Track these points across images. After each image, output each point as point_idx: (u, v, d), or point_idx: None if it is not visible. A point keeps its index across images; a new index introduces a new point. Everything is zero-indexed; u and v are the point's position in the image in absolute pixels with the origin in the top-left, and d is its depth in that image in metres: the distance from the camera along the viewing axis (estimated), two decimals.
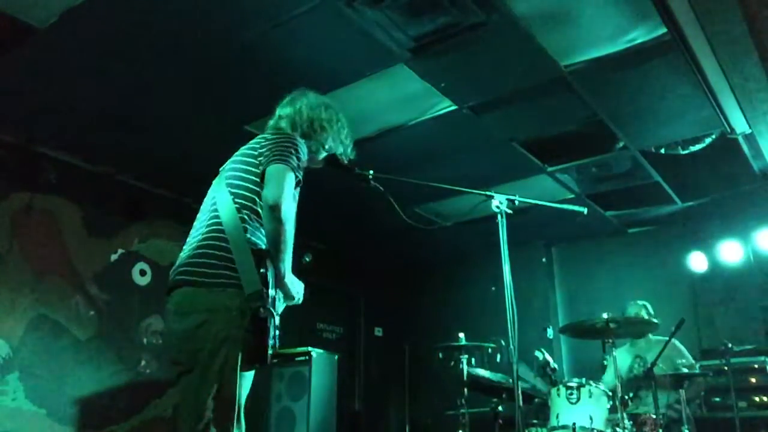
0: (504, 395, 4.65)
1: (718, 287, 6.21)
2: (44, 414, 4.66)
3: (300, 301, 2.49)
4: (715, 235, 6.20)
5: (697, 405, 5.14)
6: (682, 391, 4.27)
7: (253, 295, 2.11)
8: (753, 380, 5.20)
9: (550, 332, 6.94)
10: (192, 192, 5.89)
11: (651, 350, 4.71)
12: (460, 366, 4.79)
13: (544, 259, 7.39)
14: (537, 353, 4.48)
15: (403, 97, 4.40)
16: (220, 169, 2.53)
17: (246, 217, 2.28)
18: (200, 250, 2.25)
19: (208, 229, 2.30)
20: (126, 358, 5.26)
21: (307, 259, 7.02)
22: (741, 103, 4.32)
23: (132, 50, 3.82)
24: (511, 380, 4.12)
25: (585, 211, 3.18)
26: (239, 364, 2.11)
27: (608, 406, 4.08)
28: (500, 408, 4.66)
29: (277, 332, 2.24)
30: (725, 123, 4.61)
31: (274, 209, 2.20)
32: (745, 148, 5.10)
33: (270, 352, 2.18)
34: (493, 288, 6.57)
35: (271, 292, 2.21)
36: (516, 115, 4.67)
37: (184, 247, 2.37)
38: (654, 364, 4.23)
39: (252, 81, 4.18)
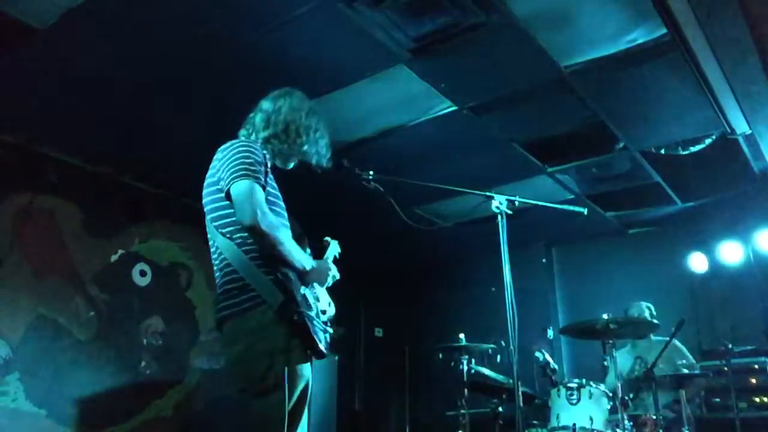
0: (504, 396, 4.65)
1: (719, 288, 6.20)
2: (44, 414, 4.65)
3: (336, 277, 2.63)
4: (716, 235, 6.20)
5: (697, 405, 5.14)
6: (682, 392, 4.27)
7: (282, 306, 2.20)
8: (753, 381, 5.20)
9: (550, 333, 6.94)
10: (192, 193, 5.89)
11: (652, 351, 4.71)
12: (461, 366, 4.79)
13: (544, 260, 7.39)
14: (537, 354, 4.48)
15: (404, 98, 4.40)
16: (203, 204, 2.53)
17: (240, 241, 2.32)
18: (223, 288, 2.33)
19: (220, 266, 2.37)
20: (126, 359, 5.26)
21: None
22: (741, 103, 4.32)
23: (132, 51, 3.82)
24: (511, 380, 4.12)
25: (585, 211, 3.18)
26: (291, 371, 2.22)
27: (608, 407, 4.08)
28: (500, 409, 4.66)
29: (327, 323, 2.40)
30: (725, 123, 4.61)
31: (255, 230, 2.23)
32: (745, 148, 5.10)
33: (323, 344, 2.31)
34: (494, 289, 6.56)
35: (301, 291, 2.30)
36: (516, 116, 4.68)
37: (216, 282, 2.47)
38: (654, 364, 4.23)
39: (252, 82, 4.17)
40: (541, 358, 4.45)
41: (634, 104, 4.46)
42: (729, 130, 4.71)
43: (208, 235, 2.48)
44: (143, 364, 5.40)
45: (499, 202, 2.90)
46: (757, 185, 5.73)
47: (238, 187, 2.28)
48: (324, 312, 2.47)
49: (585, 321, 4.32)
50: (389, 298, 8.10)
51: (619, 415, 3.90)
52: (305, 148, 2.61)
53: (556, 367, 4.57)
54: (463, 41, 3.73)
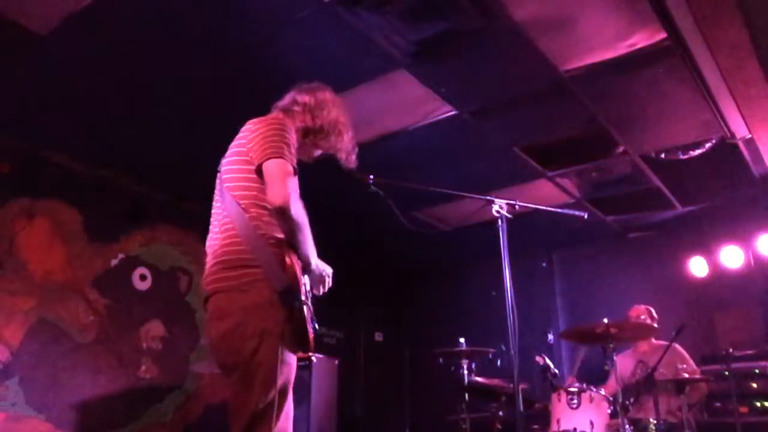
0: (504, 400, 4.64)
1: (719, 292, 6.20)
2: (44, 419, 4.65)
3: (327, 286, 2.51)
4: (716, 239, 6.20)
5: (698, 410, 5.13)
6: (683, 397, 4.26)
7: (285, 290, 2.14)
8: (754, 385, 5.19)
9: (550, 337, 6.94)
10: (193, 197, 5.91)
11: (653, 355, 4.70)
12: (461, 371, 4.79)
13: (544, 264, 7.39)
14: (537, 358, 4.48)
15: (404, 102, 4.40)
16: (218, 168, 2.49)
17: (255, 214, 2.25)
18: (222, 258, 2.26)
19: (223, 235, 2.29)
20: (126, 363, 5.26)
21: None
22: (741, 107, 4.33)
23: (132, 55, 3.83)
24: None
25: (585, 215, 3.18)
26: (279, 356, 2.13)
27: (609, 412, 4.08)
28: (500, 413, 4.65)
29: (314, 321, 2.31)
30: (725, 128, 4.62)
31: (284, 211, 2.17)
32: (745, 152, 5.10)
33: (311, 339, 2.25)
34: (494, 293, 6.55)
35: (303, 280, 2.25)
36: (516, 120, 4.68)
37: (208, 253, 2.39)
38: (655, 368, 4.22)
39: (253, 85, 4.18)
40: (541, 363, 4.44)
41: (634, 108, 4.47)
42: (729, 135, 4.72)
43: (215, 198, 2.41)
44: (143, 368, 5.39)
45: (499, 206, 2.90)
46: (757, 189, 5.73)
47: (274, 165, 2.23)
48: (311, 306, 2.40)
49: (585, 325, 4.32)
50: (389, 302, 8.09)
51: (620, 420, 3.89)
52: (337, 144, 2.60)
53: (557, 371, 4.56)
54: (463, 46, 3.74)
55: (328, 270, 2.49)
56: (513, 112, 4.54)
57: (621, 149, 5.04)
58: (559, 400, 4.16)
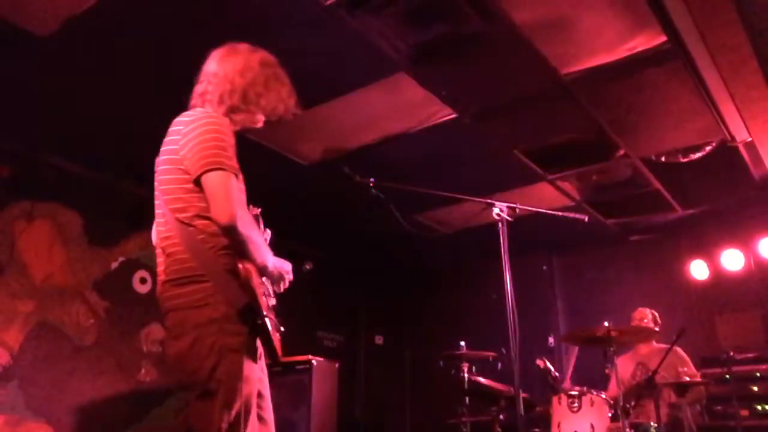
0: (504, 403, 4.63)
1: (719, 295, 6.20)
2: (43, 422, 4.64)
3: (288, 282, 2.39)
4: (716, 242, 6.20)
5: (698, 413, 5.12)
6: (683, 399, 4.26)
7: (244, 308, 2.05)
8: (755, 388, 5.19)
9: (551, 340, 6.93)
10: None
11: (654, 358, 4.70)
12: (461, 374, 4.78)
13: (545, 267, 7.38)
14: (538, 361, 4.47)
15: (404, 106, 4.40)
16: (156, 179, 2.29)
17: (200, 225, 2.11)
18: (170, 276, 2.12)
19: (171, 256, 2.14)
20: (126, 367, 5.25)
21: (308, 268, 7.04)
22: (741, 110, 4.33)
23: (133, 58, 3.83)
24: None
25: (586, 219, 3.19)
26: (242, 373, 2.03)
27: (610, 415, 4.07)
28: (501, 416, 4.64)
29: (278, 327, 2.25)
30: (725, 131, 4.62)
31: (231, 230, 2.05)
32: (745, 155, 5.10)
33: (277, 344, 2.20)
34: (494, 296, 6.54)
35: (262, 291, 2.17)
36: (517, 123, 4.68)
37: (158, 268, 2.23)
38: (656, 372, 4.21)
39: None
40: (542, 366, 4.44)
41: (635, 111, 4.47)
42: (729, 138, 4.72)
43: (158, 210, 2.23)
44: (143, 371, 5.38)
45: (499, 209, 2.90)
46: (758, 192, 5.73)
47: (215, 178, 2.07)
48: (273, 307, 2.32)
49: (586, 328, 4.31)
50: (390, 306, 8.08)
51: (621, 423, 3.88)
52: (269, 106, 2.40)
53: (558, 375, 4.55)
54: (463, 49, 3.75)
55: (285, 266, 2.37)
56: (513, 115, 4.54)
57: (621, 152, 5.04)
58: (560, 404, 4.16)
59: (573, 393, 4.11)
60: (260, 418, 2.22)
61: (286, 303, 7.39)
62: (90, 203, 5.29)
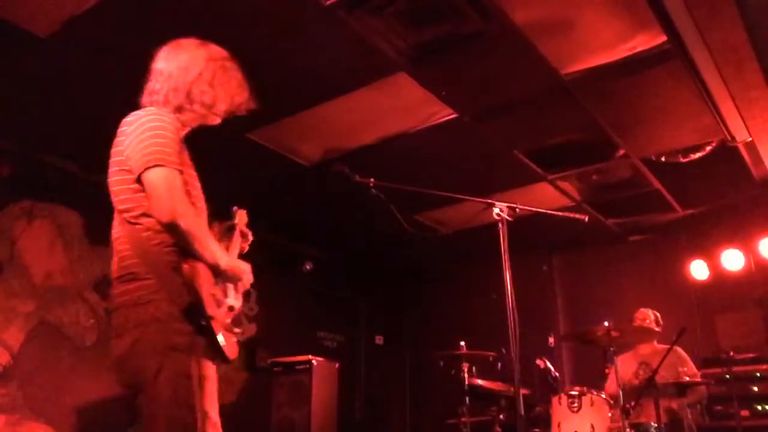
0: (504, 403, 4.64)
1: (720, 295, 6.19)
2: (44, 422, 4.64)
3: (248, 283, 2.29)
4: (716, 243, 6.19)
5: (698, 413, 5.12)
6: (684, 400, 4.26)
7: (189, 308, 1.99)
8: (755, 388, 5.19)
9: (551, 340, 6.92)
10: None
11: (655, 358, 4.70)
12: (461, 374, 4.78)
13: (545, 267, 7.38)
14: (538, 361, 4.47)
15: (404, 105, 4.41)
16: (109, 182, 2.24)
17: (148, 224, 2.07)
18: (117, 273, 2.10)
19: (119, 254, 2.12)
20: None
21: (308, 268, 7.08)
22: (741, 110, 4.33)
23: (133, 59, 3.82)
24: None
25: (586, 219, 3.19)
26: (189, 372, 1.97)
27: (610, 415, 4.07)
28: (501, 416, 4.64)
29: (230, 327, 2.17)
30: (726, 131, 4.62)
31: (173, 227, 1.99)
32: (745, 155, 5.10)
33: (229, 346, 2.11)
34: (494, 296, 6.53)
35: (212, 291, 2.10)
36: (517, 123, 4.68)
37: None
38: (656, 372, 4.21)
39: (254, 89, 4.18)
40: (542, 366, 4.44)
41: (635, 111, 4.47)
42: (729, 138, 4.72)
43: (115, 217, 2.20)
44: None
45: (499, 209, 2.90)
46: (758, 192, 5.73)
47: (154, 176, 2.02)
48: (232, 308, 2.24)
49: (586, 328, 4.31)
50: (390, 306, 8.08)
51: (621, 423, 3.88)
52: (215, 102, 2.33)
53: (558, 374, 4.55)
54: (463, 49, 3.75)
55: (242, 266, 2.28)
56: (513, 115, 4.54)
57: (621, 152, 5.05)
58: (560, 404, 4.16)
59: (573, 393, 4.12)
60: (205, 413, 2.15)
61: (286, 303, 7.41)
62: (90, 203, 5.28)
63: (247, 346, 6.44)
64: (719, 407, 5.18)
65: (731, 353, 4.85)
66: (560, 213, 3.36)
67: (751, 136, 4.72)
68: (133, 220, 2.08)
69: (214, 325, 2.03)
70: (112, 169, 2.17)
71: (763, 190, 5.70)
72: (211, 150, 5.12)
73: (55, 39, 3.59)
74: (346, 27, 3.53)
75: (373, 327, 8.03)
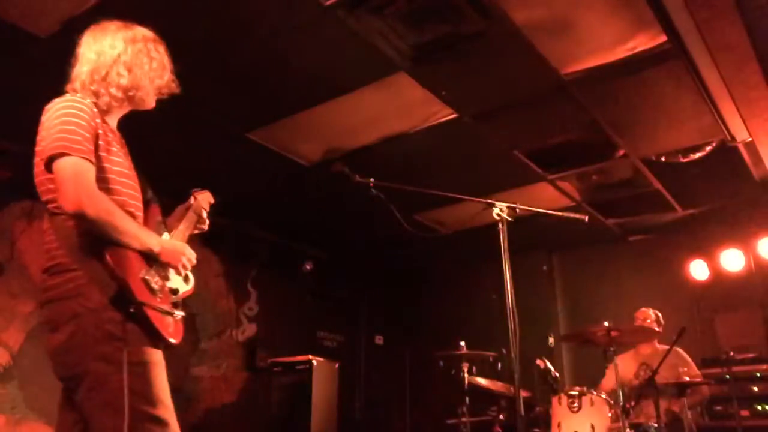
0: (504, 403, 4.64)
1: (720, 295, 6.20)
2: (44, 422, 4.64)
3: (188, 264, 2.22)
4: (716, 242, 6.20)
5: (698, 413, 5.12)
6: (684, 400, 4.26)
7: (116, 296, 1.92)
8: (755, 389, 5.19)
9: (551, 340, 6.92)
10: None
11: (656, 358, 4.70)
12: (461, 374, 4.78)
13: (545, 267, 7.38)
14: (538, 362, 4.47)
15: (405, 106, 4.41)
16: None
17: (74, 222, 2.01)
18: (45, 265, 2.05)
19: (46, 245, 2.07)
20: None
21: (308, 268, 7.08)
22: (741, 110, 4.33)
23: None
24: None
25: (586, 219, 3.19)
26: (124, 358, 1.91)
27: (610, 415, 4.07)
28: (501, 416, 4.64)
29: (176, 305, 2.12)
30: (726, 131, 4.62)
31: (81, 217, 1.93)
32: (745, 155, 5.10)
33: (171, 329, 2.06)
34: (494, 296, 6.54)
35: (141, 274, 2.02)
36: (516, 123, 4.68)
37: None
38: (656, 372, 4.21)
39: (253, 89, 4.19)
40: (542, 366, 4.44)
41: (634, 112, 4.47)
42: (729, 138, 4.72)
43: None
44: None
45: (499, 209, 2.90)
46: (758, 192, 5.74)
47: (60, 165, 1.96)
48: (176, 291, 2.18)
49: (586, 328, 4.31)
50: (390, 306, 8.09)
51: (621, 423, 3.88)
52: (133, 86, 2.24)
53: (558, 374, 4.55)
54: (463, 49, 3.75)
55: (179, 248, 2.21)
56: (513, 115, 4.54)
57: (621, 152, 5.05)
58: (560, 404, 4.16)
59: (573, 393, 4.12)
60: (160, 400, 2.10)
61: (286, 303, 7.40)
62: None
63: (247, 346, 6.44)
64: (719, 407, 5.18)
65: (731, 353, 4.85)
66: (560, 213, 3.36)
67: (751, 136, 4.72)
68: (57, 211, 2.02)
69: (148, 310, 1.97)
70: (35, 160, 2.10)
71: (763, 190, 5.70)
72: (211, 150, 5.15)
73: (55, 39, 3.59)
74: (346, 27, 3.53)
75: (373, 327, 8.03)
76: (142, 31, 2.35)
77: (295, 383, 5.65)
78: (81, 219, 1.95)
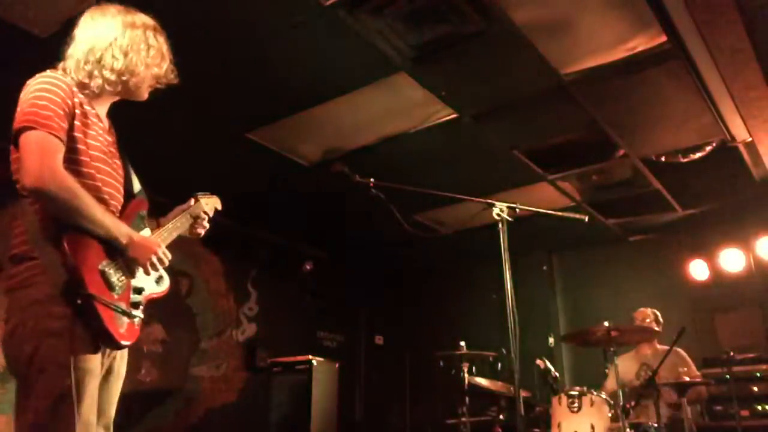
0: (504, 403, 4.64)
1: (720, 295, 6.20)
2: None
3: (159, 264, 2.06)
4: (716, 242, 6.20)
5: (699, 413, 5.12)
6: (684, 400, 4.26)
7: (65, 285, 1.79)
8: (755, 388, 5.19)
9: (551, 340, 6.93)
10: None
11: (657, 359, 4.70)
12: (461, 374, 4.78)
13: (545, 267, 7.39)
14: (538, 362, 4.47)
15: (405, 105, 4.41)
16: None
17: (38, 206, 1.92)
18: (10, 252, 1.94)
19: (15, 228, 1.98)
20: (126, 367, 5.24)
21: (308, 268, 7.08)
22: (741, 110, 4.33)
23: None
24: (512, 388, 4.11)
25: (586, 219, 3.19)
26: (64, 361, 1.76)
27: (610, 415, 4.07)
28: (501, 416, 4.65)
29: (124, 310, 1.92)
30: (726, 131, 4.62)
31: (38, 192, 1.83)
32: (745, 155, 5.10)
33: (124, 330, 1.92)
34: (494, 296, 6.54)
35: (101, 266, 1.88)
36: (516, 123, 4.68)
37: None
38: (656, 372, 4.21)
39: (254, 89, 4.19)
40: (542, 366, 4.44)
41: (634, 112, 4.47)
42: (729, 138, 4.72)
43: None
44: (143, 371, 5.39)
45: (499, 210, 2.90)
46: (758, 192, 5.74)
47: (26, 139, 1.87)
48: (140, 290, 2.03)
49: (586, 328, 4.31)
50: (390, 306, 8.09)
51: (621, 423, 3.88)
52: (127, 72, 2.15)
53: (558, 374, 4.55)
54: (463, 49, 3.75)
55: (151, 245, 2.05)
56: (513, 115, 4.54)
57: (621, 152, 5.05)
58: (560, 404, 4.16)
59: (573, 393, 4.11)
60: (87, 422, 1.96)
61: (286, 303, 7.41)
62: None
63: (247, 346, 6.44)
64: (719, 407, 5.18)
65: (731, 353, 4.84)
66: (560, 213, 3.36)
67: (751, 136, 4.73)
68: (24, 193, 1.92)
69: (98, 305, 1.82)
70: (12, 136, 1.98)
71: (763, 190, 5.70)
72: (211, 150, 5.15)
73: (55, 39, 3.59)
74: (346, 27, 3.53)
75: (373, 327, 8.03)
76: (142, 18, 2.25)
77: (295, 383, 5.65)
78: (40, 196, 1.85)
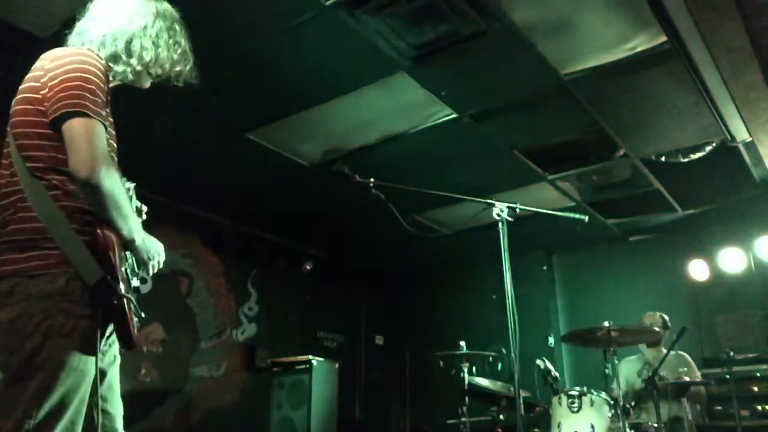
0: (504, 404, 4.63)
1: (720, 295, 6.20)
2: None
3: (159, 265, 2.04)
4: (716, 242, 6.20)
5: (699, 414, 5.12)
6: (684, 400, 4.26)
7: (99, 283, 1.71)
8: (755, 389, 5.18)
9: (551, 340, 6.93)
10: (192, 200, 5.91)
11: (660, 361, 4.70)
12: (461, 374, 4.78)
13: (545, 267, 7.39)
14: (538, 362, 4.47)
15: (404, 105, 4.41)
16: (11, 119, 1.91)
17: (55, 182, 1.77)
18: (10, 236, 1.77)
19: (12, 208, 1.79)
20: (126, 367, 5.21)
21: (308, 268, 7.08)
22: (741, 111, 4.33)
23: None
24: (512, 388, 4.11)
25: (586, 219, 3.19)
26: (68, 359, 1.68)
27: (610, 415, 4.07)
28: (501, 417, 4.64)
29: (137, 311, 1.87)
30: (726, 131, 4.62)
31: (91, 186, 1.71)
32: (745, 156, 5.11)
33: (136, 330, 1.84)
34: (494, 296, 6.55)
35: (123, 268, 1.82)
36: (516, 123, 4.68)
37: None
38: (656, 372, 4.21)
39: (254, 89, 4.19)
40: (542, 366, 4.43)
41: (635, 112, 4.47)
42: (729, 138, 4.72)
43: (5, 152, 1.87)
44: (143, 371, 5.38)
45: (499, 209, 2.90)
46: (758, 192, 5.74)
47: (74, 125, 1.73)
48: (137, 290, 1.97)
49: (586, 328, 4.31)
50: (390, 306, 8.09)
51: (621, 423, 3.88)
52: (153, 62, 2.06)
53: (558, 375, 4.55)
54: (463, 49, 3.74)
55: (156, 247, 2.02)
56: (513, 115, 4.54)
57: (621, 152, 5.05)
58: (560, 404, 4.15)
59: (573, 393, 4.11)
60: (104, 411, 2.01)
61: (286, 303, 7.40)
62: None
63: (247, 346, 6.45)
64: (719, 407, 5.17)
65: (731, 353, 4.84)
66: (560, 213, 3.36)
67: (751, 136, 4.73)
68: (39, 174, 1.77)
69: (127, 305, 1.77)
70: (20, 107, 1.87)
71: (763, 190, 5.70)
72: (211, 150, 5.15)
73: (55, 39, 3.59)
74: (346, 27, 3.53)
75: (373, 327, 8.03)
76: (170, 9, 2.15)
77: (295, 383, 5.65)
78: (90, 189, 1.72)
